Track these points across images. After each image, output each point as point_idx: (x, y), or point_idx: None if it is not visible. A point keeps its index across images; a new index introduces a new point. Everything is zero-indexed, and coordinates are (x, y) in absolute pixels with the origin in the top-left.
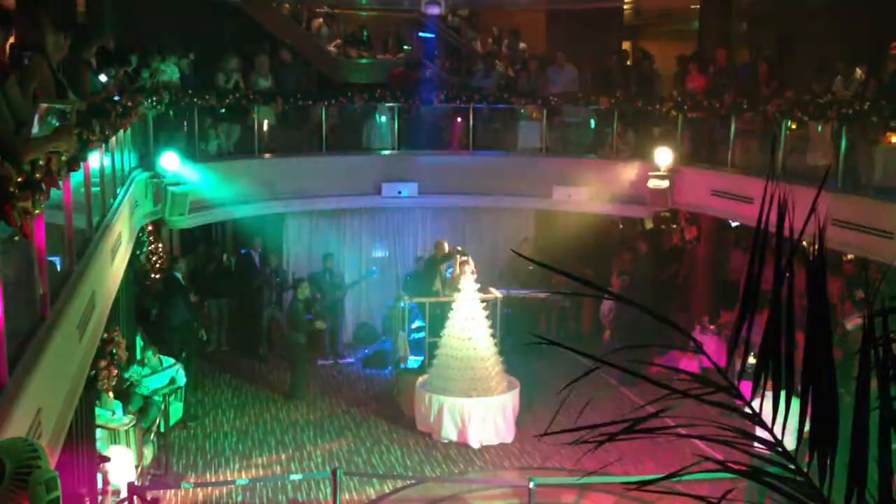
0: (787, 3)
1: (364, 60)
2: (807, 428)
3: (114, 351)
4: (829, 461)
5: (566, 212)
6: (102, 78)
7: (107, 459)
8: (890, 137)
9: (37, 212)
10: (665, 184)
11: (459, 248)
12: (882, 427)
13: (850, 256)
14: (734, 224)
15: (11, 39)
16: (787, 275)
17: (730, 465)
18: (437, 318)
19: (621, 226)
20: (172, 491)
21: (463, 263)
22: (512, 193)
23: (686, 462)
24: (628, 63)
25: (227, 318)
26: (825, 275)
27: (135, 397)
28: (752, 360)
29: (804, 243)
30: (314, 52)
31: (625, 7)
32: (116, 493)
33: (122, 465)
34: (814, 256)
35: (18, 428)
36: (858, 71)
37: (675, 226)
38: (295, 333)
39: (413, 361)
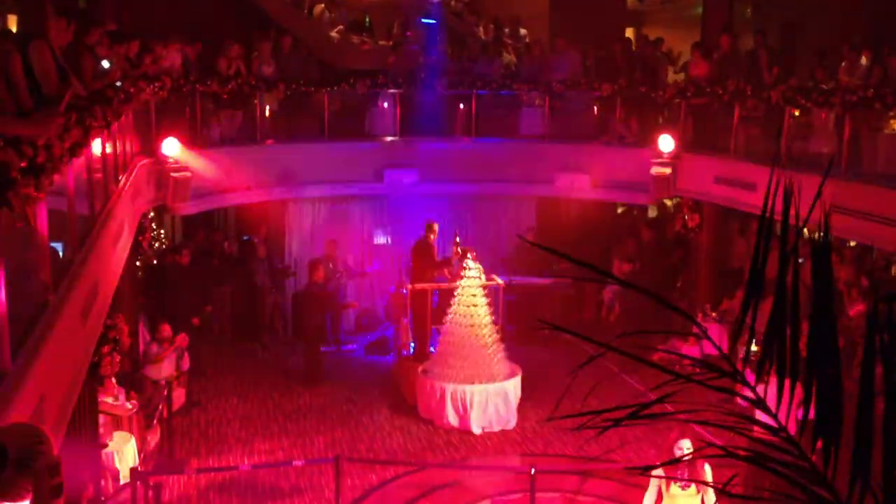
0: None
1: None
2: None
3: (116, 337)
4: (833, 447)
5: (569, 199)
6: (105, 64)
7: (104, 445)
8: (893, 124)
9: (40, 198)
10: (668, 171)
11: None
12: (887, 413)
13: (852, 244)
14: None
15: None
16: (793, 262)
17: (732, 450)
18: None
19: (622, 211)
20: (175, 477)
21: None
22: (514, 180)
23: None
24: (633, 49)
25: (230, 304)
26: (830, 261)
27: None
28: (754, 347)
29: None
30: (316, 38)
31: None
32: (117, 478)
33: (125, 451)
34: (819, 243)
35: (22, 414)
36: (863, 58)
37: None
38: (313, 316)
39: None
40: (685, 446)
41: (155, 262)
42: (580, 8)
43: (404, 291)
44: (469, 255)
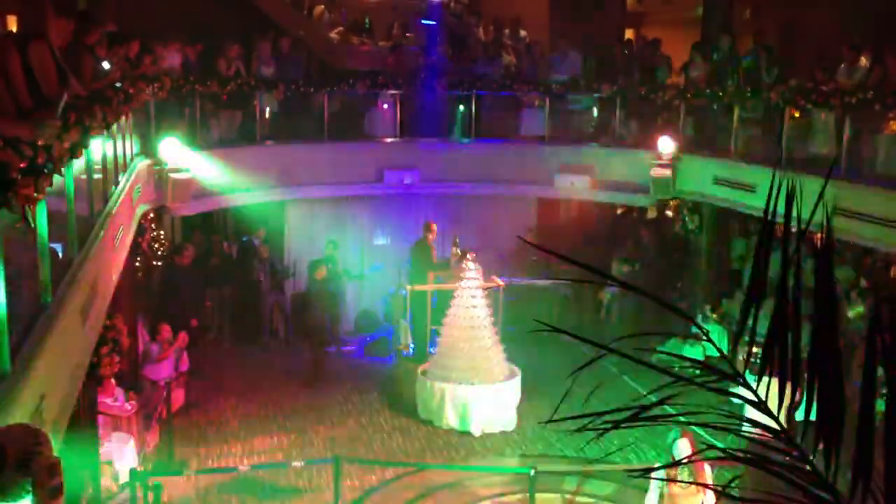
0: None
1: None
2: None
3: (116, 338)
4: (834, 449)
5: (568, 200)
6: (106, 65)
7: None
8: (893, 126)
9: (39, 198)
10: (668, 172)
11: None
12: (888, 415)
13: (850, 245)
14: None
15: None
16: (794, 263)
17: (733, 451)
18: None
19: (622, 212)
20: (175, 477)
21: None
22: (514, 181)
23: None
24: (633, 50)
25: (230, 305)
26: (832, 263)
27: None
28: (754, 350)
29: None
30: (316, 39)
31: None
32: (117, 479)
33: (124, 452)
34: (821, 245)
35: (21, 414)
36: (862, 59)
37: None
38: (317, 315)
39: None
40: (684, 447)
41: (155, 262)
42: (580, 9)
43: (403, 292)
44: (468, 257)
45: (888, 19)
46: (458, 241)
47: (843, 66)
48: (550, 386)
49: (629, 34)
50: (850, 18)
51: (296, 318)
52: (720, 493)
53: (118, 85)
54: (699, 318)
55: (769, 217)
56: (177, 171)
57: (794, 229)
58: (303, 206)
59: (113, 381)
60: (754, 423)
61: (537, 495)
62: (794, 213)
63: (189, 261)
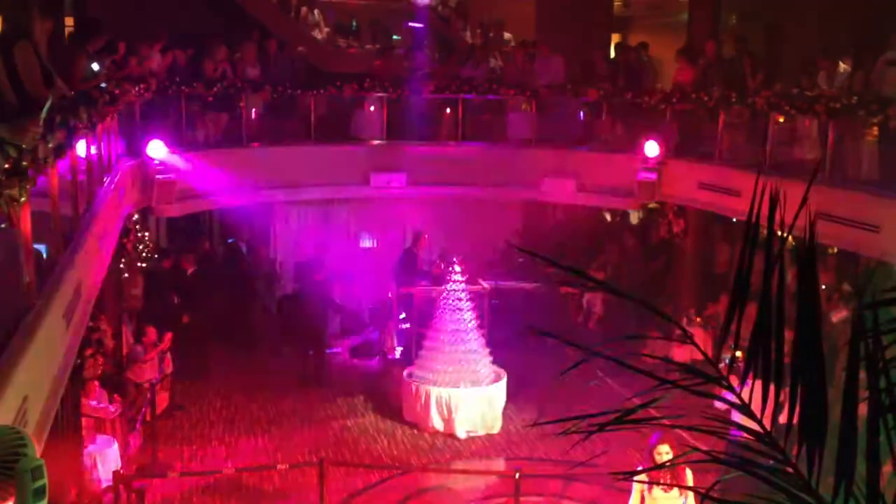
0: None
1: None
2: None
3: (100, 339)
4: (817, 452)
5: (554, 203)
6: (95, 67)
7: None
8: (876, 131)
9: (23, 199)
10: (653, 176)
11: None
12: (870, 419)
13: (833, 249)
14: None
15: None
16: (778, 268)
17: (716, 454)
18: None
19: (609, 218)
20: (158, 480)
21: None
22: (500, 184)
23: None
24: (620, 55)
25: (216, 307)
26: (816, 268)
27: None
28: (737, 353)
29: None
30: (302, 41)
31: None
32: (100, 481)
33: (107, 454)
34: (804, 249)
35: (4, 416)
36: (842, 65)
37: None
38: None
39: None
40: (664, 451)
41: (140, 264)
42: (567, 13)
43: (390, 295)
44: (453, 261)
45: (871, 25)
46: (445, 254)
47: (821, 73)
48: (536, 389)
49: (616, 38)
50: (834, 24)
51: (283, 320)
52: (702, 496)
53: (103, 86)
54: (684, 322)
55: (753, 221)
56: (162, 172)
57: (777, 233)
58: (290, 208)
59: (97, 382)
60: (738, 426)
61: (522, 498)
62: (778, 218)
63: (169, 265)
